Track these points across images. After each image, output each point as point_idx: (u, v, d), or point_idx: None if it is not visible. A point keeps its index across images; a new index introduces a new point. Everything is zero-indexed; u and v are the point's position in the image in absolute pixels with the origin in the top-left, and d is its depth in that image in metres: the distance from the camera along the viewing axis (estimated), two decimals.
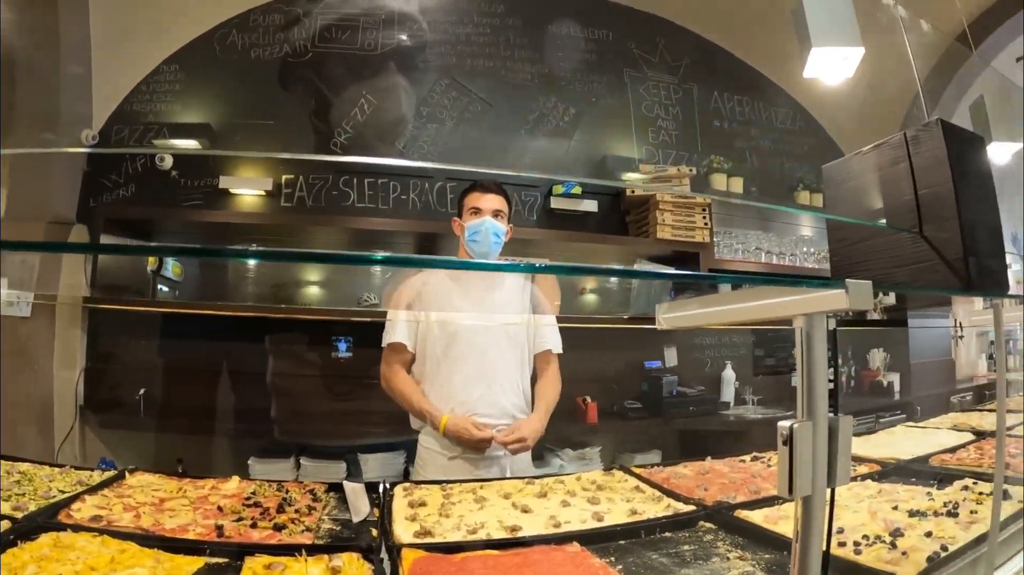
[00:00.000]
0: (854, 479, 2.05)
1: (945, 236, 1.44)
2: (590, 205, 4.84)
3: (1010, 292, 1.59)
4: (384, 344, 2.77)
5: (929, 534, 1.55)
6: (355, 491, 1.86)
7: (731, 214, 5.13)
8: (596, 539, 1.59)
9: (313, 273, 4.72)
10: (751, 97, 5.72)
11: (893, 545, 1.49)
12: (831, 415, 1.03)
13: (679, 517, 1.74)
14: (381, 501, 1.86)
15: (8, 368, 3.96)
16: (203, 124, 4.60)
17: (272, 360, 4.18)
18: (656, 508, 1.82)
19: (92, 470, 2.05)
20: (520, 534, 1.61)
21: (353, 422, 4.05)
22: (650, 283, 4.76)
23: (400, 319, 2.77)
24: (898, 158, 1.56)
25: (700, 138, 5.42)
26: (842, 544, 1.49)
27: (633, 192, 4.80)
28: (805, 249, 5.23)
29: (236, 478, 2.00)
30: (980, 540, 1.52)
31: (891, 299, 4.86)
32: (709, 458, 2.44)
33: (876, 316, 5.39)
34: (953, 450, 2.47)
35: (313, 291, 4.68)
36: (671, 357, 4.83)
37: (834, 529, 1.50)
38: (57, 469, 2.04)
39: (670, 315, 1.36)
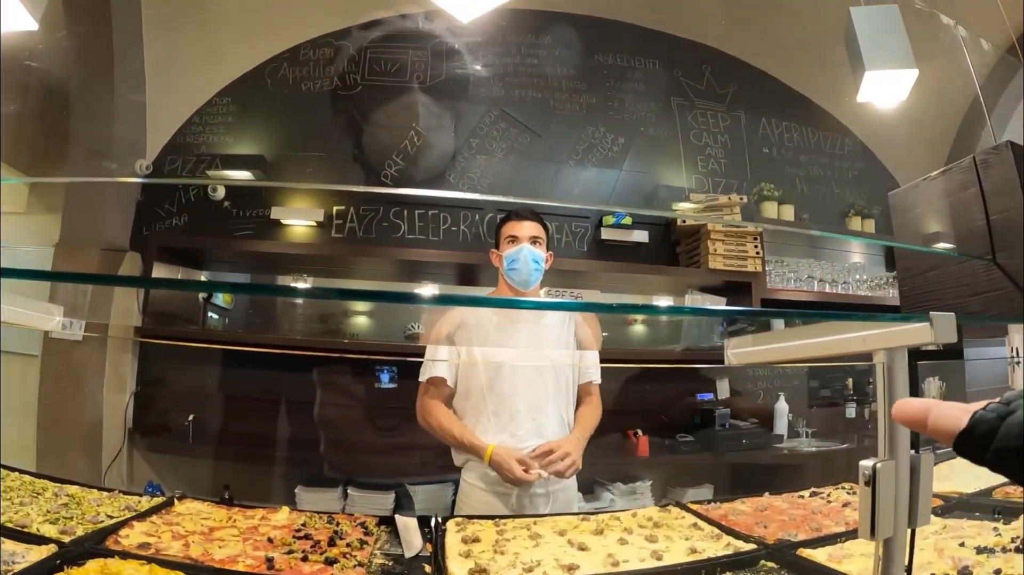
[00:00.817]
0: None
1: (1019, 263, 1.39)
2: (640, 235, 4.81)
3: None
4: (423, 379, 2.74)
5: (999, 571, 1.48)
6: (407, 526, 1.83)
7: (782, 242, 5.05)
8: None
9: (361, 303, 4.74)
10: (799, 123, 5.66)
11: None
12: (913, 453, 0.98)
13: (740, 556, 1.68)
14: (433, 536, 1.83)
15: (59, 391, 4.05)
16: (255, 155, 4.69)
17: (320, 390, 4.19)
18: (716, 546, 1.76)
19: (140, 495, 2.05)
20: (578, 573, 1.57)
21: (401, 454, 4.03)
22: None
23: (440, 353, 2.75)
24: (967, 183, 1.51)
25: (749, 165, 5.37)
26: None
27: (684, 222, 4.76)
28: (858, 276, 5.11)
29: (286, 509, 1.99)
30: None
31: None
32: (767, 494, 2.37)
33: (933, 346, 5.24)
34: None
35: (361, 320, 4.69)
36: (723, 389, 4.74)
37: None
38: (105, 493, 2.03)
39: (740, 351, 1.32)
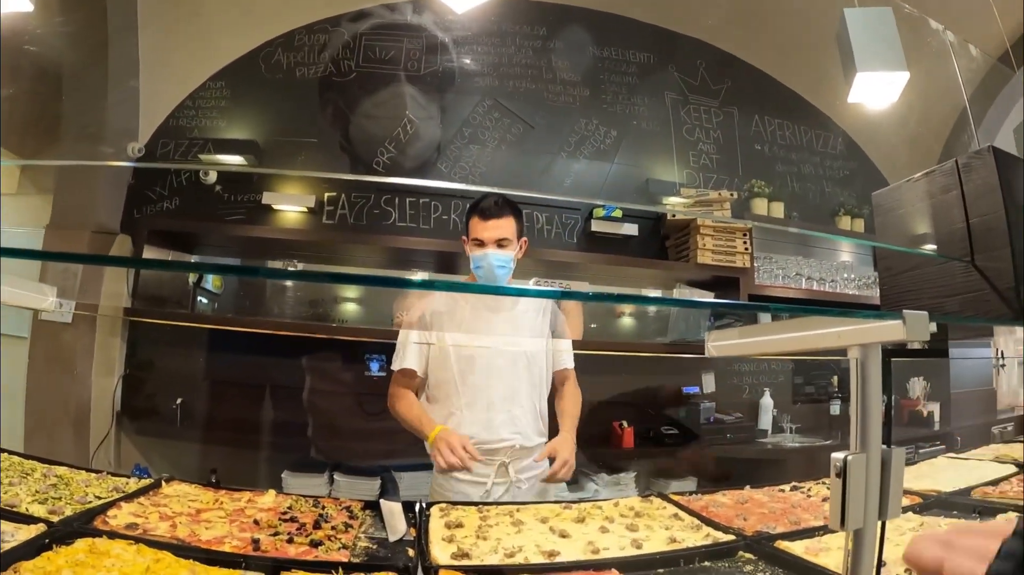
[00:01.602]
0: None
1: (997, 265, 1.42)
2: (631, 229, 4.83)
3: None
4: (394, 368, 2.73)
5: None
6: (392, 511, 1.85)
7: (771, 239, 5.08)
8: (635, 567, 1.56)
9: (350, 290, 4.76)
10: (792, 121, 5.69)
11: None
12: (884, 447, 1.02)
13: (718, 547, 1.71)
14: (417, 521, 1.85)
15: (48, 373, 4.06)
16: (247, 140, 4.68)
17: (308, 375, 4.20)
18: (695, 537, 1.79)
19: (128, 477, 2.06)
20: (558, 559, 1.59)
21: (388, 439, 4.05)
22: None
23: (410, 342, 2.73)
24: (949, 186, 1.53)
25: (741, 162, 5.40)
26: None
27: (674, 216, 4.78)
28: (846, 275, 5.15)
29: (272, 492, 2.00)
30: None
31: (932, 327, 4.76)
32: (748, 487, 2.40)
33: (917, 345, 5.29)
34: (995, 482, 2.38)
35: (350, 307, 4.71)
36: (709, 383, 4.76)
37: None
38: (94, 474, 2.04)
39: (720, 343, 1.34)
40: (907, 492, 2.24)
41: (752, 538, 1.76)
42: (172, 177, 4.57)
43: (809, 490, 2.36)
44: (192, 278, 4.49)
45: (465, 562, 1.55)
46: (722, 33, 5.46)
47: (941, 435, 4.98)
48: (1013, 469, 2.62)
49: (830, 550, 1.61)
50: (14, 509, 1.60)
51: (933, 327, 0.96)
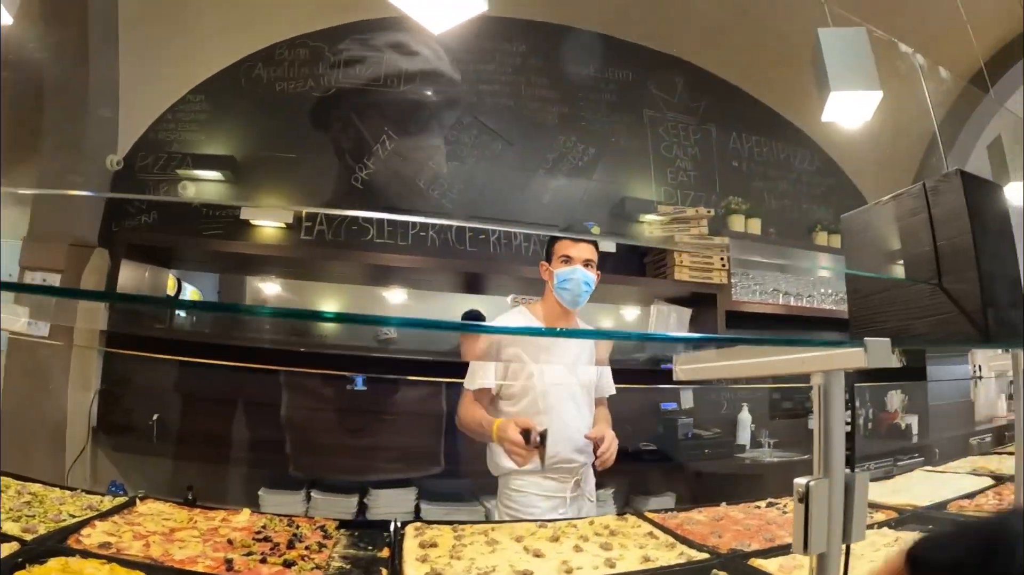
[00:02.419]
0: (870, 527, 2.00)
1: (964, 287, 1.44)
2: (608, 246, 4.80)
3: None
4: (471, 387, 2.78)
5: None
6: None
7: (749, 255, 5.12)
8: None
9: (334, 305, 4.76)
10: (769, 138, 5.75)
11: None
12: (848, 471, 1.03)
13: (692, 565, 1.71)
14: (392, 540, 1.85)
15: (23, 388, 4.01)
16: (227, 156, 4.66)
17: (286, 392, 4.19)
18: (669, 555, 1.79)
19: (103, 495, 2.05)
20: None
21: (366, 457, 4.05)
22: (666, 324, 4.73)
23: (488, 366, 2.78)
24: (917, 209, 1.56)
25: (718, 179, 5.45)
26: None
27: (651, 233, 4.81)
28: (823, 290, 5.21)
29: (247, 511, 2.00)
30: None
31: (893, 359, 4.80)
32: (724, 504, 2.41)
33: (895, 362, 5.34)
34: (972, 495, 2.43)
35: (330, 325, 4.69)
36: (687, 399, 4.80)
37: None
38: (68, 492, 2.03)
39: (688, 367, 1.36)
40: (882, 507, 2.27)
41: (726, 556, 1.77)
42: (151, 191, 4.54)
43: (785, 506, 2.37)
44: (171, 290, 4.47)
45: None
46: (700, 51, 5.53)
47: (920, 447, 5.03)
48: (989, 481, 2.66)
49: (804, 567, 1.60)
50: None
51: (894, 360, 0.98)
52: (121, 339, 4.13)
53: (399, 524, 1.98)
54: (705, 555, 1.79)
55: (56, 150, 4.32)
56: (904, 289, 1.54)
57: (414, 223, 4.72)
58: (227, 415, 4.18)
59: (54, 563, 1.42)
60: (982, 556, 0.66)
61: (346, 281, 4.80)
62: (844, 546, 1.03)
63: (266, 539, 1.76)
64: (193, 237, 4.46)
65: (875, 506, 2.27)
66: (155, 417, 4.07)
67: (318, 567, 1.59)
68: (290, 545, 1.72)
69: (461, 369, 2.85)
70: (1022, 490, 1.55)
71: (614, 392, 3.00)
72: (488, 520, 2.16)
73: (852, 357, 0.97)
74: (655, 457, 4.50)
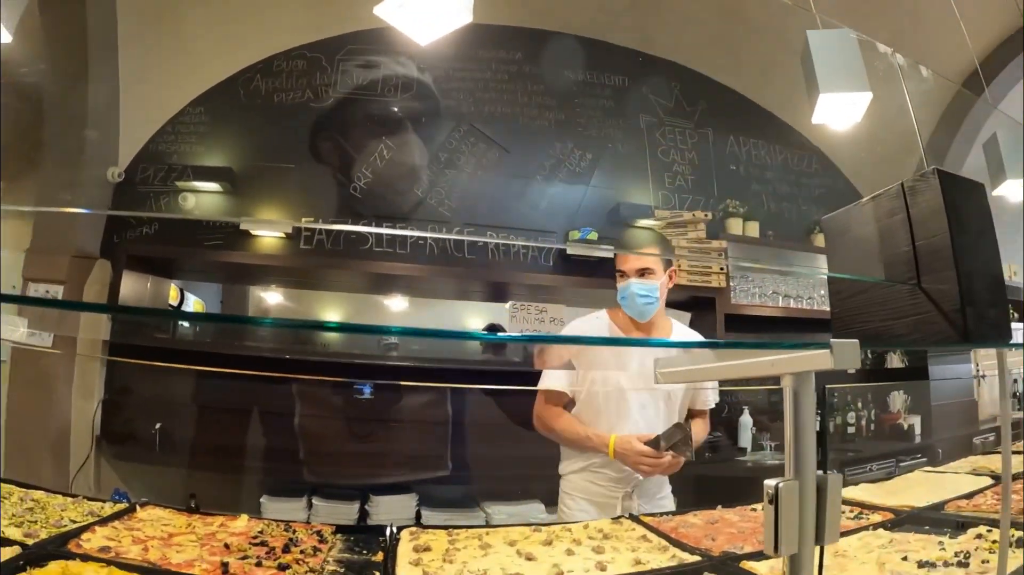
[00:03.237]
0: (865, 529, 2.01)
1: (942, 288, 1.44)
2: (606, 251, 4.80)
3: (1012, 340, 1.58)
4: (544, 388, 2.79)
5: None
6: None
7: (750, 259, 5.13)
8: None
9: (335, 314, 4.79)
10: (767, 140, 5.74)
11: None
12: (820, 473, 1.05)
13: (682, 568, 1.72)
14: (387, 544, 1.87)
15: (27, 397, 4.06)
16: (226, 168, 4.72)
17: (287, 400, 4.22)
18: (661, 558, 1.79)
19: (105, 502, 2.08)
20: None
21: (367, 464, 4.07)
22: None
23: (562, 366, 2.80)
24: (895, 209, 1.56)
25: (716, 182, 5.44)
26: None
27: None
28: (823, 292, 5.20)
29: (245, 516, 2.03)
30: None
31: (857, 360, 4.74)
32: (719, 507, 2.42)
33: (898, 362, 5.35)
34: (970, 495, 2.41)
35: (331, 333, 4.72)
36: None
37: None
38: (70, 499, 2.06)
39: (666, 370, 1.37)
40: (878, 508, 2.27)
41: (718, 558, 1.78)
42: (151, 201, 4.59)
43: None
44: (173, 301, 4.51)
45: None
46: (696, 55, 5.53)
47: (922, 448, 5.01)
48: (989, 481, 2.62)
49: None
50: None
51: (858, 362, 0.99)
52: (124, 349, 4.17)
53: (395, 529, 2.00)
54: (697, 558, 1.79)
55: (57, 164, 4.36)
56: (884, 290, 1.55)
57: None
58: (229, 423, 4.22)
59: (54, 566, 1.45)
60: None
61: (347, 289, 4.85)
62: (818, 548, 1.04)
63: (262, 543, 1.78)
64: (194, 248, 4.52)
65: (871, 507, 2.27)
66: (158, 426, 4.11)
67: (312, 571, 1.61)
68: (286, 549, 1.74)
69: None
70: (1008, 488, 1.56)
71: (711, 404, 2.92)
72: (455, 526, 2.18)
73: (818, 359, 0.99)
74: None
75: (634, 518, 2.29)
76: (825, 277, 5.30)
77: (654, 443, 2.51)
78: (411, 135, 4.93)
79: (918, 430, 5.16)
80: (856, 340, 1.01)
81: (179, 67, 4.77)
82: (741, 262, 5.05)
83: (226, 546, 1.73)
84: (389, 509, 3.98)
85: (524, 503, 4.22)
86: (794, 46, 4.66)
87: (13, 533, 1.65)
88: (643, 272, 2.68)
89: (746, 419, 4.90)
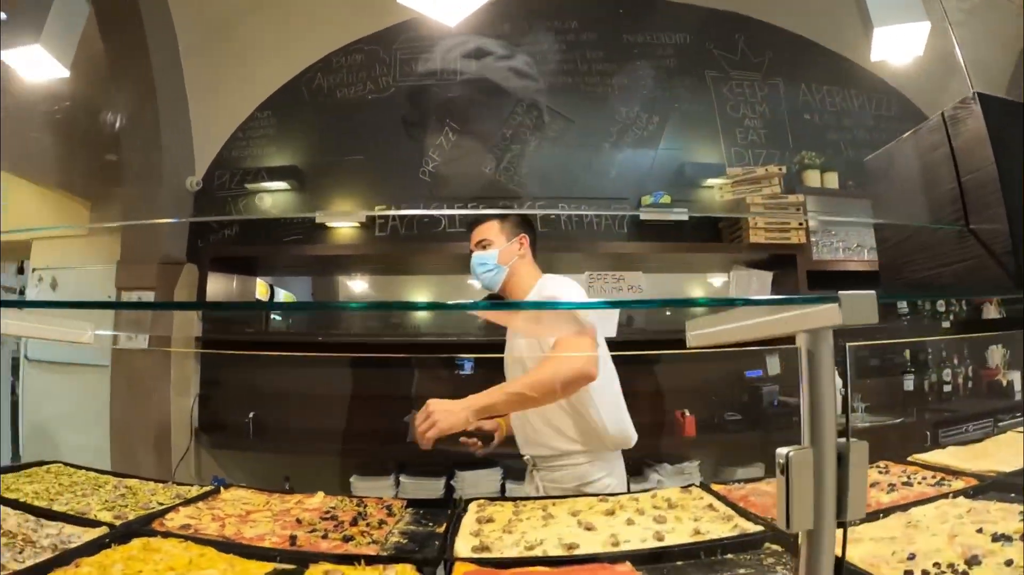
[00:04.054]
0: (944, 496, 1.86)
1: (992, 227, 1.34)
2: (680, 214, 4.70)
3: None
4: None
5: (1010, 562, 1.35)
6: None
7: (831, 211, 4.93)
8: (652, 559, 1.57)
9: (422, 296, 4.87)
10: (840, 85, 5.40)
11: None
12: (841, 440, 0.95)
13: (742, 538, 1.68)
14: (452, 515, 1.93)
15: (129, 397, 4.36)
16: (296, 166, 4.90)
17: (374, 384, 4.36)
18: (723, 528, 1.76)
19: (191, 486, 2.23)
20: (577, 552, 1.61)
21: (451, 441, 4.13)
22: (747, 289, 4.61)
23: None
24: (937, 143, 1.45)
25: (791, 134, 5.23)
26: (908, 573, 1.36)
27: (722, 197, 4.71)
28: None
29: (321, 494, 2.13)
30: None
31: (873, 314, 4.40)
32: None
33: (995, 313, 5.06)
34: None
35: (422, 314, 4.80)
36: (773, 366, 4.64)
37: (905, 555, 1.40)
38: (161, 484, 2.23)
39: (695, 333, 1.33)
40: (961, 474, 2.11)
41: (781, 529, 1.74)
42: (230, 205, 4.79)
43: None
44: (263, 296, 4.68)
45: (484, 555, 1.60)
46: (757, 3, 5.30)
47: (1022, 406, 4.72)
48: None
49: (862, 541, 1.56)
50: (83, 515, 1.79)
51: (875, 316, 0.92)
52: (215, 344, 4.34)
53: (463, 500, 2.06)
54: (760, 528, 1.74)
55: (138, 179, 4.61)
56: (930, 234, 1.45)
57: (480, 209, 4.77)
58: (320, 408, 4.39)
59: (136, 542, 1.58)
60: None
61: (425, 273, 4.92)
62: (840, 524, 0.95)
63: (332, 518, 1.87)
64: (275, 245, 4.73)
65: (954, 473, 2.12)
66: (251, 415, 4.30)
67: (375, 542, 1.69)
68: (353, 522, 1.82)
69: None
70: None
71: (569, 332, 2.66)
72: (548, 496, 2.19)
73: (826, 314, 0.93)
74: (740, 427, 4.45)
75: (703, 486, 2.24)
76: None
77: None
78: (474, 114, 4.96)
79: (1018, 387, 4.85)
80: (872, 292, 0.94)
81: (242, 75, 4.95)
82: (820, 216, 4.85)
83: (298, 521, 1.83)
84: (475, 483, 4.04)
85: None
86: None
87: (104, 516, 1.80)
88: (480, 244, 2.75)
89: (835, 380, 4.71)
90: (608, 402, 2.61)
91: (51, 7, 3.05)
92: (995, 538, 1.47)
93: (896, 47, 3.08)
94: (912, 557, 1.41)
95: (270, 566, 1.49)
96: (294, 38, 4.97)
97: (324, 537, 1.69)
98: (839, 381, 1.06)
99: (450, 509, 2.01)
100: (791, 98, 5.29)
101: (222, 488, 2.17)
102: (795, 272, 4.48)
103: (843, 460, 0.94)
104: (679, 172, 4.98)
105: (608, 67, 5.12)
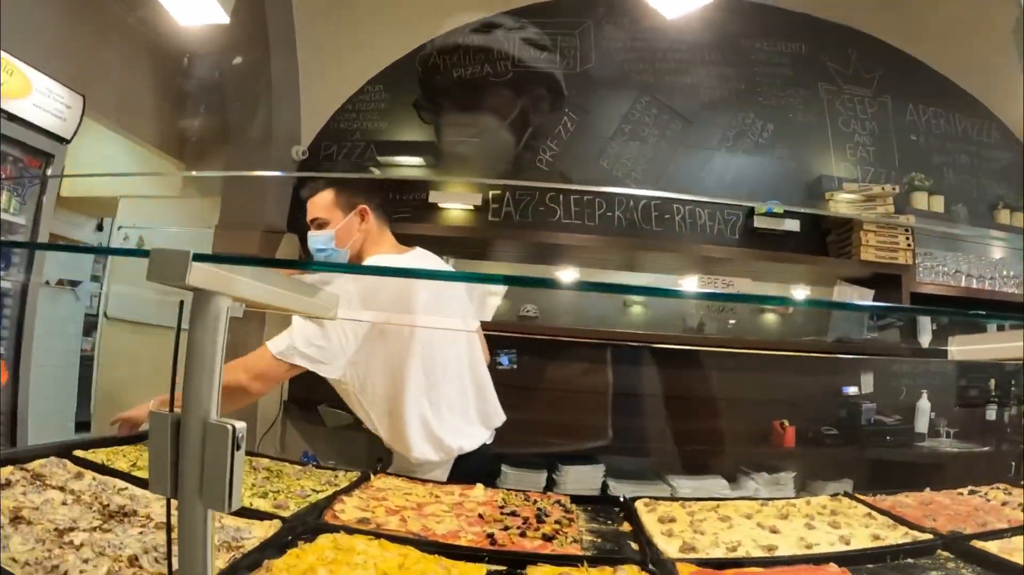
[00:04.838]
0: None
1: None
2: (792, 224, 4.75)
3: None
4: None
5: None
6: None
7: (927, 234, 4.89)
8: (847, 561, 1.57)
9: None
10: (945, 109, 5.40)
11: None
12: None
13: (920, 545, 1.70)
14: (627, 514, 1.90)
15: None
16: (410, 142, 4.88)
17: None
18: (894, 535, 1.79)
19: (334, 470, 2.15)
20: (776, 554, 1.62)
21: (552, 432, 4.13)
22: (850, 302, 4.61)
23: None
24: None
25: (897, 153, 5.20)
26: None
27: (837, 211, 4.69)
28: (1005, 272, 4.90)
29: (480, 486, 2.05)
30: None
31: None
32: (928, 489, 2.36)
33: None
34: None
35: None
36: (867, 383, 4.64)
37: None
38: (297, 467, 2.14)
39: (962, 348, 1.31)
40: None
41: (948, 537, 1.74)
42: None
43: (986, 494, 2.31)
44: None
45: (691, 555, 1.58)
46: (870, 20, 5.27)
47: None
48: None
49: (1021, 550, 1.58)
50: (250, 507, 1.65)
51: None
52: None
53: (627, 499, 2.03)
54: (928, 536, 1.76)
55: (244, 142, 4.62)
56: None
57: (600, 203, 4.79)
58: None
59: (323, 540, 1.46)
60: None
61: (517, 260, 4.91)
62: None
63: (513, 514, 1.80)
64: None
65: None
66: None
67: (575, 541, 1.63)
68: (539, 519, 1.76)
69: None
70: None
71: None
72: (681, 497, 2.17)
73: None
74: (836, 442, 4.42)
75: (850, 496, 2.25)
76: (999, 256, 5.00)
77: None
78: (594, 106, 4.95)
79: None
80: None
81: (356, 46, 4.94)
82: (928, 238, 4.82)
83: (480, 516, 1.76)
84: (577, 479, 4.04)
85: (707, 478, 4.23)
86: (972, 8, 4.45)
87: (261, 504, 1.70)
88: (315, 223, 2.44)
89: (924, 403, 4.69)
90: (421, 411, 2.41)
91: None
92: None
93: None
94: None
95: (483, 568, 1.40)
96: (412, 13, 4.98)
97: (522, 535, 1.62)
98: None
99: (615, 507, 1.98)
100: (899, 117, 5.27)
101: (371, 475, 2.09)
102: (898, 293, 4.46)
103: None
104: (793, 182, 4.99)
105: (726, 71, 5.12)
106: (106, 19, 4.38)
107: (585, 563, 1.44)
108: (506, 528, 1.67)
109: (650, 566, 1.47)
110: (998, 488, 2.32)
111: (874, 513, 2.03)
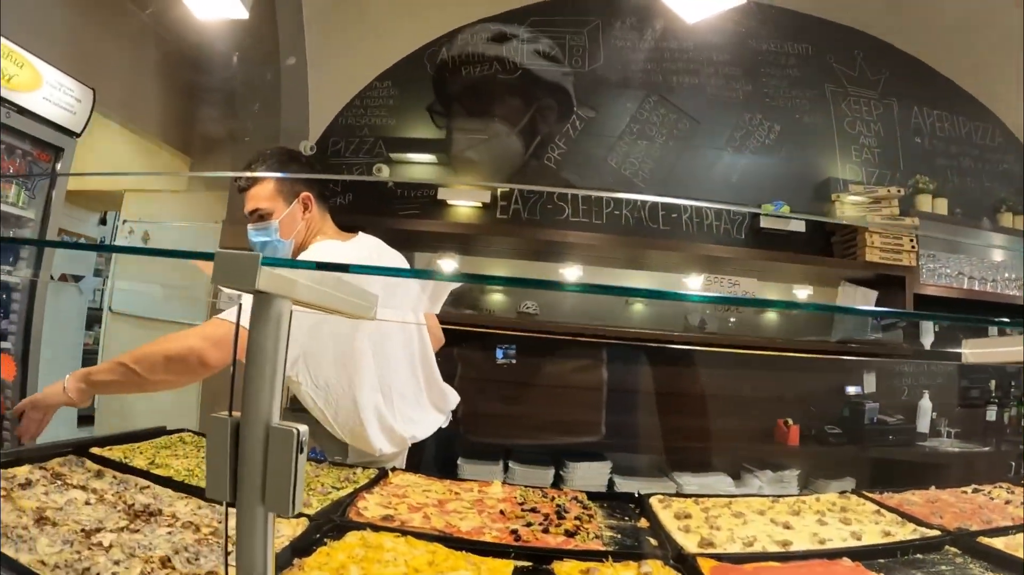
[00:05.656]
0: None
1: None
2: (797, 225, 4.78)
3: None
4: None
5: None
6: None
7: (930, 236, 4.92)
8: (860, 556, 1.59)
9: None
10: (950, 112, 5.43)
11: None
12: None
13: (929, 541, 1.73)
14: (642, 511, 1.92)
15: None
16: (421, 139, 4.88)
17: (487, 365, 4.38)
18: (903, 531, 1.82)
19: (353, 467, 2.14)
20: (791, 549, 1.64)
21: (557, 429, 4.15)
22: (853, 304, 4.64)
23: None
24: None
25: (901, 155, 5.23)
26: None
27: (843, 212, 4.72)
28: (1006, 275, 4.93)
29: (498, 482, 2.06)
30: None
31: None
32: (933, 487, 2.38)
33: None
34: None
35: (496, 298, 4.82)
36: (870, 383, 4.69)
37: None
38: (313, 463, 2.13)
39: (976, 351, 1.33)
40: None
41: (955, 534, 1.78)
42: (345, 173, 4.81)
43: (990, 493, 2.33)
44: None
45: (710, 550, 1.60)
46: (878, 22, 5.29)
47: None
48: None
49: None
50: None
51: None
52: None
53: (639, 495, 2.05)
54: (936, 532, 1.80)
55: (251, 138, 4.60)
56: None
57: (608, 201, 4.81)
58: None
59: (351, 538, 1.46)
60: None
61: (519, 257, 4.93)
62: None
63: (533, 510, 1.81)
64: (387, 217, 4.67)
65: None
66: None
67: (597, 536, 1.65)
68: (559, 515, 1.77)
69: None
70: None
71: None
72: (690, 495, 2.19)
73: None
74: (839, 440, 4.46)
75: (858, 493, 2.27)
76: (1000, 259, 5.03)
77: None
78: (601, 106, 4.97)
79: None
80: None
81: (364, 42, 4.93)
82: (931, 240, 4.85)
83: (501, 513, 1.77)
84: (584, 475, 4.06)
85: (712, 475, 4.26)
86: (976, 12, 4.47)
87: None
88: (255, 214, 2.35)
89: (926, 403, 4.73)
90: (376, 403, 2.33)
91: None
92: None
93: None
94: None
95: (511, 564, 1.41)
96: (420, 10, 4.99)
97: (545, 531, 1.63)
98: None
99: (630, 503, 1.99)
100: (904, 120, 5.30)
101: (389, 472, 2.08)
102: (902, 294, 4.51)
103: None
104: (799, 183, 5.01)
105: (733, 71, 5.14)
106: (115, 13, 4.38)
107: (610, 558, 1.45)
108: (528, 524, 1.68)
109: (672, 561, 1.49)
110: (1001, 487, 2.36)
111: (883, 510, 2.05)
